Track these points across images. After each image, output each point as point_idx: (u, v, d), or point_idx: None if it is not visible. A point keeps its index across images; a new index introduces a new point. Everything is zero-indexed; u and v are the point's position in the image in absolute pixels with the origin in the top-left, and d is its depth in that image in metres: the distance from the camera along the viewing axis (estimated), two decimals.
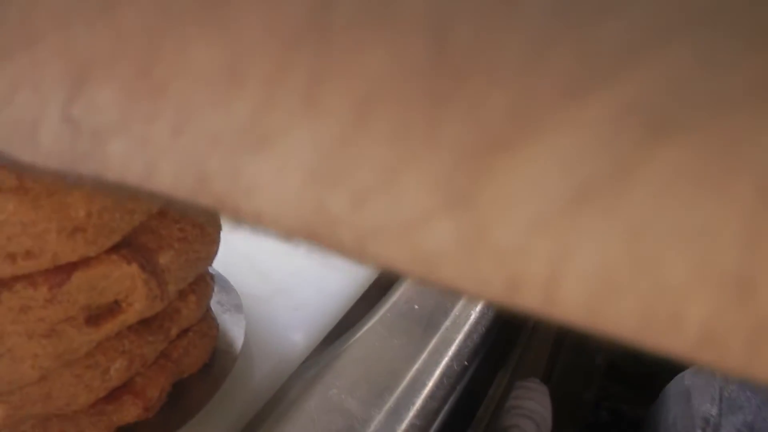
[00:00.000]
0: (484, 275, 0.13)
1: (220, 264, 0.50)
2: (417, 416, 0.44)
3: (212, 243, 0.40)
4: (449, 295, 0.56)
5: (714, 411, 0.51)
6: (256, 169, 0.15)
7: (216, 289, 0.49)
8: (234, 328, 0.45)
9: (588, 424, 1.02)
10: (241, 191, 0.15)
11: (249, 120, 0.15)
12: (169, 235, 0.37)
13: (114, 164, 0.17)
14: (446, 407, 0.46)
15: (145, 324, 0.38)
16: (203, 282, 0.41)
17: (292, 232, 0.16)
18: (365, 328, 0.52)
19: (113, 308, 0.35)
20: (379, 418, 0.44)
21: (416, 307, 0.55)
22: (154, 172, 0.16)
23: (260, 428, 0.43)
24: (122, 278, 0.34)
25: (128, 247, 0.35)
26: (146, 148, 0.16)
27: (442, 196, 0.13)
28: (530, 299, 0.13)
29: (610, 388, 0.99)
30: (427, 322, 0.53)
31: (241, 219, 0.16)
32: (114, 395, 0.38)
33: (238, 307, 0.47)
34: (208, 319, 0.43)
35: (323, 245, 0.15)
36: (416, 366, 0.49)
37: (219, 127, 0.15)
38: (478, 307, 0.55)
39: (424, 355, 0.50)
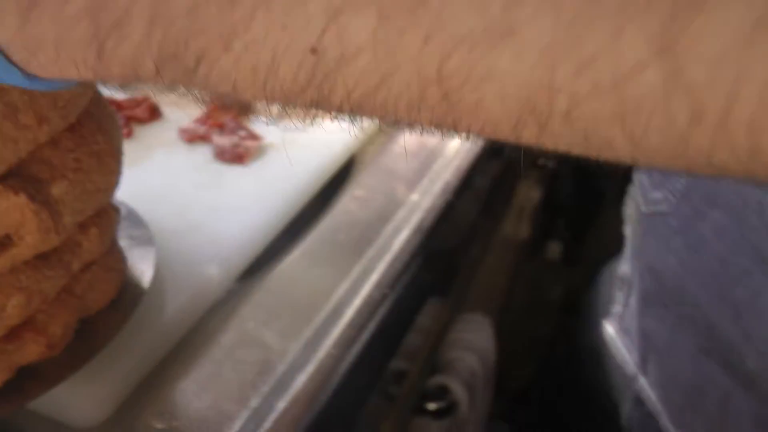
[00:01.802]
0: (674, 110, 0.17)
1: (133, 200, 0.49)
2: (334, 345, 0.44)
3: (111, 174, 0.39)
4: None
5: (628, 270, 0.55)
6: (493, 59, 0.19)
7: (127, 224, 0.47)
8: (144, 263, 0.44)
9: (544, 359, 1.03)
10: (470, 84, 0.19)
11: (499, 16, 0.18)
12: (63, 165, 0.36)
13: (348, 82, 0.21)
14: (365, 335, 0.45)
15: (42, 258, 0.36)
16: (106, 215, 0.40)
17: (507, 115, 0.20)
18: (287, 259, 0.51)
19: (4, 242, 0.34)
20: (296, 349, 0.44)
21: (341, 237, 0.54)
22: (408, 85, 0.20)
23: (175, 363, 0.42)
24: (10, 210, 0.33)
25: (16, 177, 0.33)
26: (388, 61, 0.20)
27: (652, 48, 0.17)
28: (704, 131, 0.17)
29: (567, 323, 1.00)
30: (351, 251, 0.52)
31: (456, 112, 0.20)
32: (14, 333, 0.36)
33: (149, 241, 0.46)
34: (114, 252, 0.42)
35: (528, 122, 0.19)
36: (337, 296, 0.48)
37: (469, 27, 0.19)
38: (403, 235, 0.54)
39: (345, 285, 0.49)
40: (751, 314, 0.39)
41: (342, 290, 0.48)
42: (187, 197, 0.54)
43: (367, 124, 0.68)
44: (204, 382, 0.41)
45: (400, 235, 0.54)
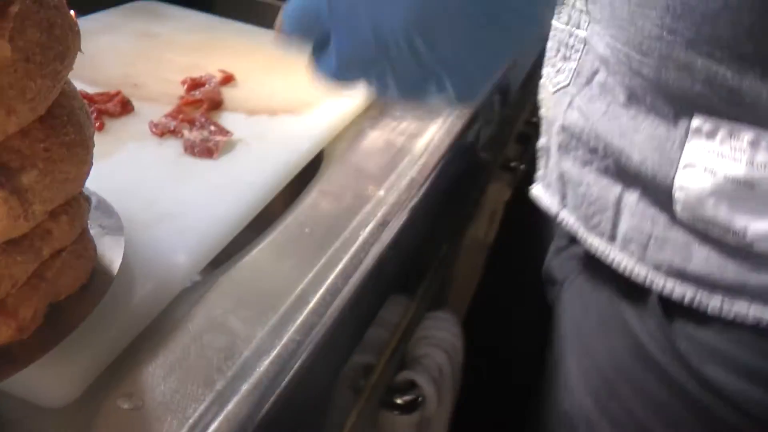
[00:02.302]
0: None
1: (104, 190, 0.50)
2: (297, 331, 0.45)
3: (82, 164, 0.40)
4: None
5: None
6: None
7: (98, 214, 0.49)
8: (114, 251, 0.45)
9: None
10: None
11: None
12: (33, 154, 0.37)
13: None
14: (326, 321, 0.47)
15: (13, 243, 0.37)
16: (76, 203, 0.41)
17: None
18: (255, 251, 0.53)
19: None
20: (261, 335, 0.45)
21: (307, 230, 0.55)
22: None
23: (143, 347, 0.44)
24: None
25: None
26: None
27: None
28: None
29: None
30: (317, 244, 0.54)
31: None
32: None
33: (119, 231, 0.47)
34: (84, 240, 0.43)
35: None
36: (302, 285, 0.49)
37: None
38: (368, 228, 0.56)
39: (311, 276, 0.50)
40: (630, 130, 0.58)
41: (306, 280, 0.50)
42: (157, 189, 0.55)
43: (338, 122, 0.69)
44: (171, 366, 0.42)
45: (365, 229, 0.55)
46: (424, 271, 0.82)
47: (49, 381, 0.39)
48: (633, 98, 0.58)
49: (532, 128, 1.31)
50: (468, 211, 1.00)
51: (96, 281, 0.43)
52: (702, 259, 0.56)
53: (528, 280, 0.86)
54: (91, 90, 0.68)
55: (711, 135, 0.53)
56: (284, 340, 0.44)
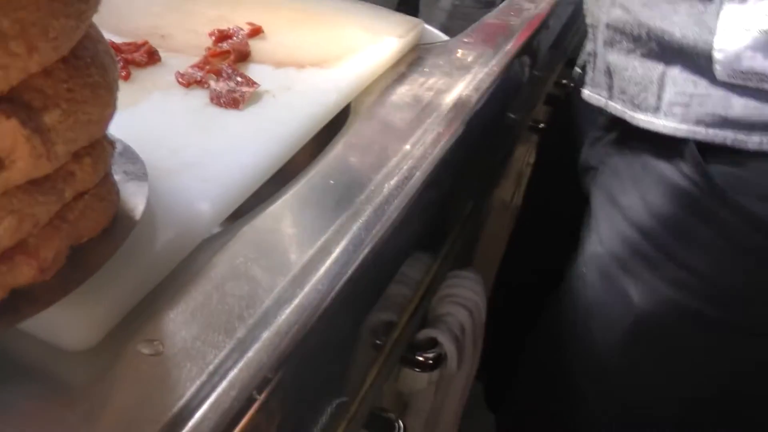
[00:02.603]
0: None
1: (129, 138, 0.50)
2: (319, 281, 0.45)
3: (105, 106, 0.40)
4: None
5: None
6: None
7: (122, 160, 0.48)
8: (137, 197, 0.45)
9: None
10: None
11: None
12: (56, 94, 0.37)
13: None
14: (349, 272, 0.46)
15: (35, 184, 0.37)
16: (100, 146, 0.41)
17: None
18: (278, 201, 0.52)
19: None
20: (283, 284, 0.45)
21: (332, 182, 0.55)
22: None
23: (165, 293, 0.44)
24: (2, 134, 0.34)
25: (8, 103, 0.34)
26: None
27: None
28: None
29: None
30: (341, 196, 0.53)
31: None
32: (6, 255, 0.37)
33: (143, 177, 0.47)
34: (107, 184, 0.43)
35: None
36: (325, 236, 0.49)
37: None
38: (393, 181, 0.55)
39: (334, 227, 0.50)
40: (670, 12, 0.67)
41: (330, 231, 0.49)
42: (182, 138, 0.55)
43: (366, 76, 0.68)
44: (192, 313, 0.42)
45: (390, 182, 0.55)
46: (449, 229, 0.82)
47: (70, 323, 0.39)
48: None
49: (560, 90, 1.29)
50: (495, 170, 0.99)
51: (118, 226, 0.43)
52: (741, 106, 0.64)
53: (554, 241, 0.92)
54: (118, 40, 0.68)
55: (743, 2, 0.62)
56: (306, 289, 0.44)
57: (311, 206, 0.52)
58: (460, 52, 0.81)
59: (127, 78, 0.62)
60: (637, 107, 0.74)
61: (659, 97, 0.71)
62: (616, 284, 0.77)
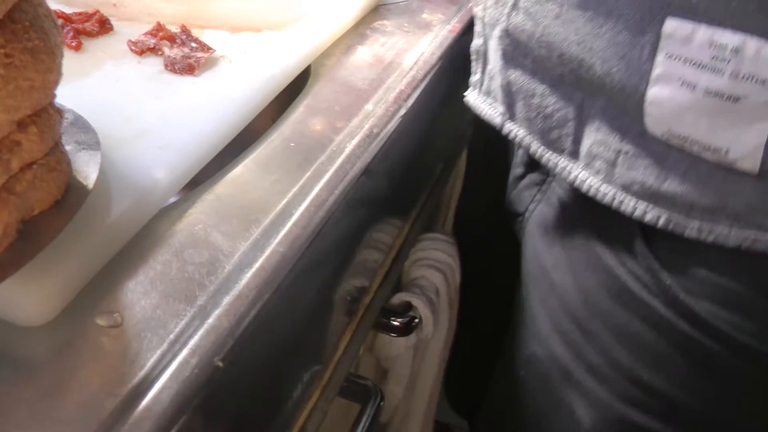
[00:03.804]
0: None
1: (81, 108, 0.48)
2: (280, 244, 0.44)
3: (48, 71, 0.38)
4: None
5: None
6: None
7: (74, 130, 0.47)
8: (90, 166, 0.44)
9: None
10: None
11: None
12: None
13: None
14: (311, 233, 0.45)
15: None
16: (46, 114, 0.40)
17: None
18: (238, 167, 0.51)
19: None
20: (244, 249, 0.44)
21: (292, 145, 0.54)
22: None
23: (122, 264, 0.42)
24: None
25: None
26: None
27: None
28: None
29: None
30: (303, 158, 0.52)
31: None
32: None
33: (95, 146, 0.45)
34: (56, 154, 0.41)
35: None
36: (286, 199, 0.48)
37: None
38: (355, 140, 0.54)
39: (295, 189, 0.49)
40: (590, 35, 0.50)
41: (291, 194, 0.48)
42: (136, 106, 0.53)
43: (325, 38, 0.66)
44: (151, 282, 0.41)
45: (351, 141, 0.54)
46: (419, 191, 0.81)
47: (25, 298, 0.38)
48: None
49: None
50: (462, 131, 0.98)
51: (71, 196, 0.42)
52: (678, 177, 0.50)
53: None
54: (68, 10, 0.66)
55: (687, 41, 0.46)
56: (267, 252, 0.43)
57: (272, 170, 0.51)
58: (422, 11, 0.80)
59: (78, 48, 0.60)
60: (551, 144, 0.58)
61: (577, 140, 0.56)
62: (561, 398, 0.65)
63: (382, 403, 0.75)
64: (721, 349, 0.53)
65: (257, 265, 0.42)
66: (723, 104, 0.46)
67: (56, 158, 0.41)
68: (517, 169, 0.72)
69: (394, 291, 0.85)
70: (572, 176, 0.56)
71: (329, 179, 0.50)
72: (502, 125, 0.62)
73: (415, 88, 0.63)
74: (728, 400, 0.56)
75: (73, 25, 0.62)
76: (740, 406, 0.56)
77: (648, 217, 0.52)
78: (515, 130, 0.61)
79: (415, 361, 0.94)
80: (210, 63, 0.60)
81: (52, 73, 0.39)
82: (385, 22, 0.76)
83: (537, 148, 0.59)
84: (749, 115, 0.45)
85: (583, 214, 0.59)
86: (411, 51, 0.70)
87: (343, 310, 0.62)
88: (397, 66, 0.67)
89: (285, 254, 0.43)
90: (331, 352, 0.61)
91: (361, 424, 0.71)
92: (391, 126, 0.57)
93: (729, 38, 0.44)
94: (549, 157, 0.58)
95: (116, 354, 0.37)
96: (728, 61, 0.45)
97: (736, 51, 0.44)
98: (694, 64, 0.46)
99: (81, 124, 0.48)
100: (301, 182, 0.49)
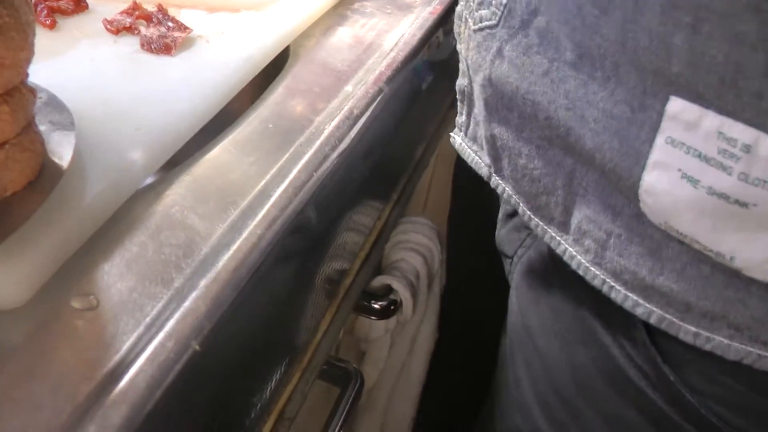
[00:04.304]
0: None
1: (55, 87, 0.47)
2: (258, 226, 0.43)
3: (19, 49, 0.37)
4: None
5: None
6: None
7: (48, 110, 0.46)
8: (64, 147, 0.43)
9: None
10: None
11: None
12: None
13: None
14: (289, 215, 0.45)
15: None
16: (18, 93, 0.39)
17: None
18: (215, 148, 0.51)
19: None
20: (221, 231, 0.43)
21: (271, 126, 0.53)
22: None
23: (98, 245, 0.42)
24: None
25: None
26: None
27: None
28: None
29: None
30: (281, 140, 0.52)
31: None
32: None
33: (69, 126, 0.45)
34: (30, 134, 0.40)
35: None
36: (264, 181, 0.47)
37: None
38: (334, 122, 0.53)
39: (273, 171, 0.48)
40: (582, 102, 0.43)
41: (269, 176, 0.48)
42: (112, 86, 0.53)
43: (304, 18, 0.65)
44: (127, 264, 0.41)
45: (331, 123, 0.53)
46: (399, 173, 0.80)
47: None
48: (586, 58, 0.43)
49: None
50: (443, 113, 0.97)
51: (44, 177, 0.41)
52: (674, 273, 0.43)
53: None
54: None
55: (692, 127, 0.39)
56: (244, 234, 0.43)
57: (249, 152, 0.50)
58: None
59: (52, 27, 0.59)
60: (538, 211, 0.52)
61: (567, 211, 0.49)
62: None
63: (362, 389, 0.75)
64: None
65: (234, 247, 0.42)
66: (729, 208, 0.39)
67: (29, 138, 0.40)
68: (507, 206, 0.65)
69: (375, 274, 0.85)
70: (561, 249, 0.50)
71: (308, 161, 0.49)
72: (489, 177, 0.56)
73: (395, 70, 0.62)
74: None
75: (47, 3, 0.61)
76: None
77: (639, 311, 0.45)
78: (502, 186, 0.55)
79: (396, 345, 0.94)
80: (187, 43, 0.59)
81: (23, 51, 0.38)
82: (365, 3, 0.76)
83: (525, 212, 0.53)
84: (760, 223, 0.39)
85: (575, 274, 0.50)
86: (391, 32, 0.69)
87: (323, 293, 0.61)
88: (377, 47, 0.66)
89: (263, 236, 0.43)
90: (310, 335, 0.61)
91: (341, 407, 0.71)
92: (371, 108, 0.57)
93: (740, 132, 0.37)
94: (538, 223, 0.52)
95: (92, 337, 0.37)
96: (738, 159, 0.37)
97: (748, 148, 0.37)
98: (698, 155, 0.39)
99: (55, 104, 0.47)
100: (279, 164, 0.49)
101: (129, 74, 0.54)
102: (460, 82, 0.58)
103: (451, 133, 0.60)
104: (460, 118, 0.59)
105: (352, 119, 0.55)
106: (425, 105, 0.81)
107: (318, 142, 0.51)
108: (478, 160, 0.57)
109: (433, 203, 1.20)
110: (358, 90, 0.58)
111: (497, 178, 0.55)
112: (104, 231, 0.43)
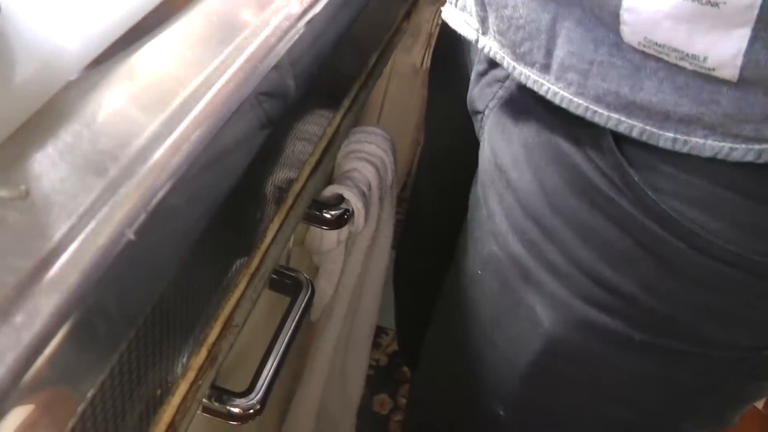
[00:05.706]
0: None
1: None
2: (198, 116, 0.42)
3: None
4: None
5: None
6: None
7: None
8: None
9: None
10: None
11: None
12: None
13: None
14: (231, 108, 0.43)
15: None
16: None
17: None
18: (154, 39, 0.48)
19: None
20: (159, 121, 0.41)
21: (215, 19, 0.51)
22: None
23: (29, 133, 0.40)
24: None
25: None
26: None
27: None
28: None
29: None
30: (225, 33, 0.50)
31: None
32: None
33: None
34: None
35: None
36: (205, 73, 0.45)
37: None
38: (281, 15, 0.51)
39: (215, 63, 0.46)
40: None
41: (211, 68, 0.46)
42: None
43: None
44: (60, 153, 0.39)
45: (276, 16, 0.51)
46: (350, 80, 0.79)
47: None
48: None
49: None
50: (398, 23, 0.95)
51: None
52: (653, 87, 0.49)
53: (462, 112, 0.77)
54: None
55: None
56: (184, 124, 0.41)
57: (191, 44, 0.48)
58: None
59: None
60: (521, 58, 0.57)
61: (549, 52, 0.54)
62: (520, 299, 0.65)
63: (312, 298, 0.74)
64: (686, 248, 0.53)
65: (174, 136, 0.40)
66: (702, 9, 0.44)
67: None
68: (480, 65, 0.69)
69: (326, 184, 0.84)
70: (543, 89, 0.56)
71: (251, 55, 0.47)
72: (477, 40, 0.62)
73: None
74: (690, 300, 0.56)
75: None
76: (701, 306, 0.56)
77: (621, 128, 0.52)
78: (488, 44, 0.61)
79: (349, 257, 0.94)
80: None
81: None
82: None
83: (510, 63, 0.59)
84: (729, 21, 0.44)
85: (547, 111, 0.57)
86: None
87: (271, 198, 0.60)
88: None
89: (201, 126, 0.41)
90: (258, 239, 0.60)
91: (292, 316, 0.71)
92: (321, 4, 0.55)
93: None
94: (521, 71, 0.57)
95: (22, 228, 0.35)
96: None
97: None
98: None
99: None
100: (221, 57, 0.47)
101: None
102: None
103: (442, 8, 0.67)
104: None
105: (300, 15, 0.52)
106: (379, 11, 0.79)
107: (263, 35, 0.49)
108: (467, 25, 0.63)
109: (386, 117, 1.19)
110: None
111: (484, 38, 0.61)
112: (36, 120, 0.41)
